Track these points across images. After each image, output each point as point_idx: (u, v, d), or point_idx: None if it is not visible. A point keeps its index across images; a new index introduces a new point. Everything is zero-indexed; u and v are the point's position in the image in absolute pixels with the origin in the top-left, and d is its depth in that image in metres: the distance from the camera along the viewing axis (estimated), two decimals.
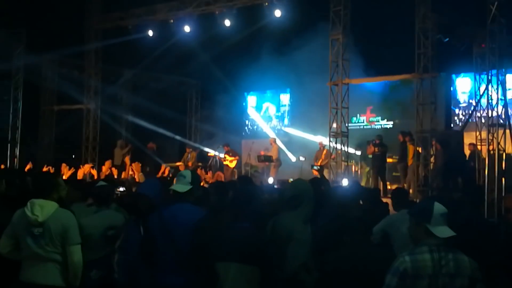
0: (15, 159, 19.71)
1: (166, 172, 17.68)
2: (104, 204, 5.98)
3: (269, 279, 4.15)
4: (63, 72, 21.47)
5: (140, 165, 17.45)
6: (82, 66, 21.35)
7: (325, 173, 17.57)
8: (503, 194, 13.28)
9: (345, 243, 4.38)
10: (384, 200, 10.32)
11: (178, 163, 20.23)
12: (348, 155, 16.71)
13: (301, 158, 19.14)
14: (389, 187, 16.25)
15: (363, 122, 21.84)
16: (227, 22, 18.26)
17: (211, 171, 19.65)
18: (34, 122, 21.89)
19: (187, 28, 19.15)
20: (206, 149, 21.83)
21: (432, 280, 3.72)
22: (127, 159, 16.60)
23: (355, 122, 21.49)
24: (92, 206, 6.18)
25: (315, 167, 11.76)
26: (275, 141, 19.83)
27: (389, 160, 17.32)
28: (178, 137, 23.45)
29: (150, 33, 19.80)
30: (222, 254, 4.20)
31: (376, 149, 16.55)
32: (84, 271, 5.52)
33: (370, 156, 17.13)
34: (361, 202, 7.11)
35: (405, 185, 16.17)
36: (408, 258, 3.77)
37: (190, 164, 20.12)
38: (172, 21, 19.37)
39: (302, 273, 4.41)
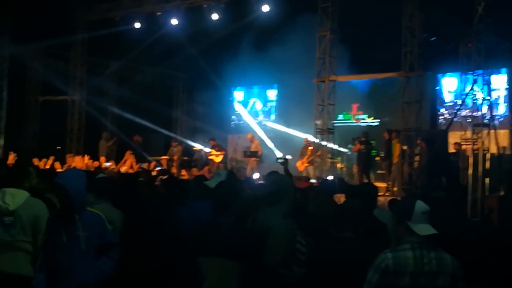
0: None
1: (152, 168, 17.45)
2: (103, 198, 5.89)
3: (253, 274, 4.18)
4: (48, 63, 21.26)
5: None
6: (68, 57, 21.24)
7: (310, 169, 17.60)
8: (487, 194, 13.39)
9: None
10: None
11: (163, 157, 20.16)
12: (333, 152, 16.74)
13: (288, 157, 19.10)
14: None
15: (349, 120, 21.85)
16: (215, 16, 18.21)
17: (196, 167, 19.56)
18: (18, 113, 21.69)
19: (174, 21, 19.08)
20: (192, 143, 21.74)
21: (413, 277, 3.72)
22: (127, 154, 16.32)
23: (341, 119, 21.51)
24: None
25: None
26: (254, 137, 19.70)
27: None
28: (164, 131, 23.33)
29: (137, 25, 19.71)
30: (205, 249, 4.21)
31: (362, 147, 16.59)
32: None
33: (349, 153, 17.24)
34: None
35: (389, 182, 16.25)
36: (390, 255, 3.78)
37: (175, 158, 20.05)
38: (159, 13, 19.31)
39: (282, 268, 4.42)
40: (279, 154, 21.65)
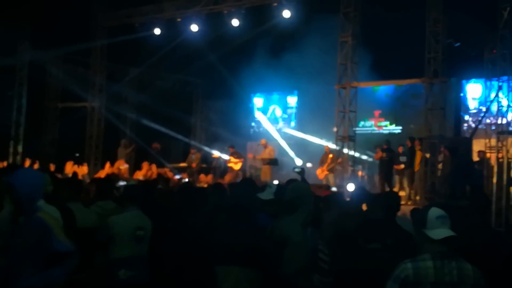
0: (17, 156, 19.58)
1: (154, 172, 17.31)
2: (135, 204, 6.05)
3: (271, 281, 4.15)
4: (68, 69, 21.34)
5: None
6: (87, 63, 21.26)
7: (331, 177, 17.37)
8: (511, 204, 13.12)
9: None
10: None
11: (182, 164, 20.09)
12: (354, 160, 16.50)
13: (308, 165, 18.88)
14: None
15: (371, 127, 21.59)
16: (235, 22, 18.09)
17: (212, 174, 19.44)
18: (37, 119, 21.76)
19: (194, 27, 18.99)
20: (211, 151, 21.63)
21: None
22: (145, 164, 16.31)
23: (362, 126, 21.27)
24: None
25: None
26: (267, 143, 19.46)
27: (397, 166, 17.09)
28: (182, 138, 23.26)
29: (157, 31, 19.66)
30: (223, 257, 4.19)
31: (384, 154, 16.32)
32: (113, 269, 5.78)
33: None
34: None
35: (412, 191, 15.95)
36: (410, 265, 3.76)
37: (194, 165, 19.97)
38: (179, 19, 19.24)
39: (300, 277, 4.38)
40: (299, 161, 21.45)
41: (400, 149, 16.23)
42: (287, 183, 7.26)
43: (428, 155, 14.99)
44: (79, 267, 4.88)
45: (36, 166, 16.13)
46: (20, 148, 19.78)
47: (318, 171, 18.00)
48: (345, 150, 16.13)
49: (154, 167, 17.28)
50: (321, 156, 18.32)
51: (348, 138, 16.00)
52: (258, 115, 24.99)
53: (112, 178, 11.48)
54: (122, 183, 6.31)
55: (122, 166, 16.67)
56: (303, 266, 4.42)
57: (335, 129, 16.13)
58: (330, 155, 17.62)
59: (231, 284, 4.10)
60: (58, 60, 21.25)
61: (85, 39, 20.12)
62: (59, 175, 13.79)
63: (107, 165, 17.26)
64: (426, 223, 3.80)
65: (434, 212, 3.83)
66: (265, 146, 19.07)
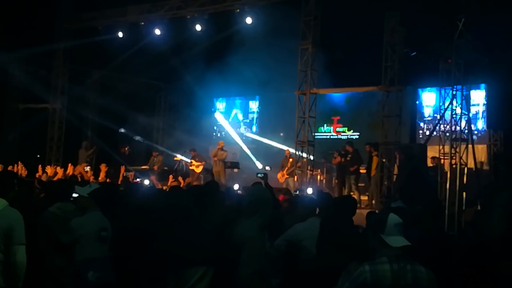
0: None
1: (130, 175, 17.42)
2: (105, 206, 6.13)
3: (229, 280, 4.23)
4: (30, 71, 21.17)
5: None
6: (50, 65, 21.09)
7: (291, 181, 17.68)
8: (464, 208, 13.52)
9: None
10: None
11: (144, 167, 20.11)
12: (313, 164, 16.81)
13: (267, 168, 19.16)
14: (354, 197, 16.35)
15: (330, 132, 21.96)
16: (198, 27, 18.25)
17: (174, 176, 19.51)
18: None
19: (157, 31, 19.10)
20: (173, 154, 21.72)
21: None
22: (102, 167, 16.28)
23: (322, 132, 21.63)
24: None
25: (259, 174, 11.95)
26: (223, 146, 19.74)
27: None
28: (145, 141, 23.29)
29: (120, 34, 19.68)
30: (189, 259, 4.25)
31: (342, 159, 16.71)
32: (80, 271, 5.77)
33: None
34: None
35: (368, 195, 16.35)
36: (368, 268, 3.82)
37: (156, 168, 20.01)
38: (143, 23, 19.31)
39: (255, 280, 4.42)
40: (259, 165, 21.73)
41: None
42: (246, 188, 7.52)
43: (384, 160, 15.38)
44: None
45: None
46: None
47: (279, 175, 18.30)
48: (304, 155, 16.42)
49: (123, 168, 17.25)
50: (282, 160, 18.63)
51: (307, 143, 16.30)
52: (220, 119, 25.12)
53: (72, 180, 11.53)
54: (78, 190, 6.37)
55: (85, 168, 16.61)
56: (259, 270, 4.47)
57: (281, 134, 16.41)
58: (290, 159, 17.94)
59: (196, 282, 4.20)
60: (20, 61, 21.07)
61: (49, 41, 19.94)
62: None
63: (70, 166, 17.11)
64: (384, 229, 3.89)
65: (393, 219, 3.91)
66: (221, 148, 19.32)
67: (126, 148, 19.99)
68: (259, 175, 15.69)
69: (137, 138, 22.82)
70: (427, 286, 3.83)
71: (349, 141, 17.25)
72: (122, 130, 22.23)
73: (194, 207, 4.71)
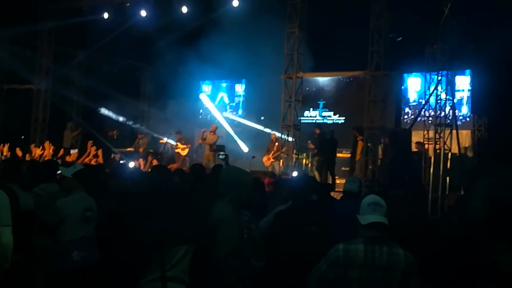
0: None
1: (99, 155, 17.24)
2: (88, 187, 6.16)
3: (207, 259, 4.27)
4: (14, 51, 20.96)
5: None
6: (35, 45, 20.91)
7: (276, 164, 17.73)
8: (447, 193, 13.65)
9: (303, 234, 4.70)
10: (333, 194, 10.52)
11: (129, 149, 20.06)
12: (299, 148, 16.85)
13: (245, 150, 19.16)
14: (338, 181, 16.46)
15: (316, 116, 21.99)
16: (184, 9, 18.18)
17: (159, 159, 19.50)
18: None
19: (143, 13, 18.97)
20: (158, 136, 21.67)
21: (363, 270, 3.84)
22: (89, 144, 16.17)
23: (307, 116, 21.65)
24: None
25: (220, 156, 12.11)
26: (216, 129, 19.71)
27: (341, 155, 17.59)
28: (130, 123, 23.21)
29: (106, 15, 19.53)
30: (170, 239, 4.26)
31: (313, 146, 16.90)
32: (65, 251, 5.79)
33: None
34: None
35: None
36: (341, 246, 3.94)
37: (141, 150, 19.97)
38: (128, 4, 19.17)
39: (231, 260, 4.44)
40: (245, 148, 21.75)
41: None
42: (212, 169, 7.59)
43: (369, 145, 15.46)
44: (17, 248, 5.06)
45: None
46: None
47: (264, 159, 18.34)
48: (290, 139, 16.46)
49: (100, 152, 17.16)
50: (268, 144, 18.66)
51: (293, 127, 16.33)
52: (206, 102, 25.03)
53: (55, 161, 11.49)
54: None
55: (71, 151, 16.57)
56: (235, 249, 4.48)
57: (262, 118, 16.40)
58: (276, 143, 17.97)
59: (175, 261, 4.22)
60: (4, 41, 20.83)
61: (33, 21, 19.76)
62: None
63: (47, 146, 16.92)
64: (360, 209, 4.01)
65: (367, 199, 4.02)
66: (214, 132, 19.30)
67: (115, 132, 19.90)
68: (219, 156, 15.84)
69: (120, 119, 22.73)
70: (404, 269, 3.89)
71: (318, 124, 17.25)
72: (103, 110, 22.09)
73: (179, 189, 4.73)
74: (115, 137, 19.60)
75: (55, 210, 5.90)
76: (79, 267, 5.84)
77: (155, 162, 15.33)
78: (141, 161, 15.54)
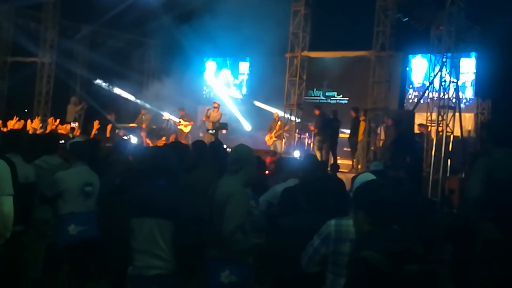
0: None
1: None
2: (81, 160, 6.09)
3: (184, 234, 4.23)
4: (19, 23, 20.91)
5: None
6: (40, 18, 20.84)
7: (278, 143, 17.75)
8: (448, 175, 13.69)
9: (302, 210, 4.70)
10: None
11: (131, 124, 20.09)
12: (302, 127, 16.87)
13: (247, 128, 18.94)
14: (339, 161, 16.49)
15: (319, 96, 21.95)
16: None
17: (165, 136, 19.54)
18: None
19: None
20: (161, 112, 21.68)
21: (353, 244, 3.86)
22: (95, 123, 16.21)
23: (311, 96, 21.61)
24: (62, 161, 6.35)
25: (210, 131, 12.10)
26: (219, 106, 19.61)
27: (343, 135, 17.58)
28: (133, 98, 23.21)
29: None
30: (138, 210, 4.29)
31: (313, 128, 16.88)
32: (62, 225, 5.81)
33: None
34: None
35: (354, 160, 16.47)
36: (333, 222, 3.99)
37: (144, 126, 19.97)
38: None
39: (238, 234, 4.54)
40: (248, 127, 21.77)
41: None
42: (211, 145, 7.65)
43: (373, 125, 15.48)
44: (19, 219, 5.10)
45: None
46: None
47: (267, 138, 18.35)
48: (293, 118, 16.47)
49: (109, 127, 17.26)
50: (270, 123, 18.66)
51: (296, 106, 16.33)
52: (210, 79, 25.02)
53: (57, 134, 11.55)
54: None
55: (71, 124, 16.64)
56: (242, 224, 4.59)
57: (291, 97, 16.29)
58: (279, 122, 17.98)
59: (145, 234, 4.22)
60: (9, 13, 20.79)
61: None
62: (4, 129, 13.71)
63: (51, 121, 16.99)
64: (352, 187, 4.10)
65: (361, 177, 4.07)
66: (217, 110, 19.23)
67: (113, 115, 19.89)
68: (210, 131, 15.85)
69: (123, 94, 22.74)
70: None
71: (317, 105, 17.17)
72: (104, 84, 22.08)
73: (177, 165, 4.73)
74: (114, 119, 19.55)
75: (53, 183, 5.89)
76: (75, 241, 5.86)
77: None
78: (143, 135, 15.62)
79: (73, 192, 5.90)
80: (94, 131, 15.48)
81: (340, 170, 14.01)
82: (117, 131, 18.84)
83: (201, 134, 19.60)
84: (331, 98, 21.63)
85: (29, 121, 15.70)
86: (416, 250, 3.15)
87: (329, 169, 11.59)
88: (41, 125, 15.32)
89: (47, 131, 14.84)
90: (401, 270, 2.95)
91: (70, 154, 6.19)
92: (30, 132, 14.17)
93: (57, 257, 6.00)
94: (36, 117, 17.32)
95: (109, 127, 15.66)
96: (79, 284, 6.14)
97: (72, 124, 17.09)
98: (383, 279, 2.91)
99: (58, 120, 16.67)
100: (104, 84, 22.29)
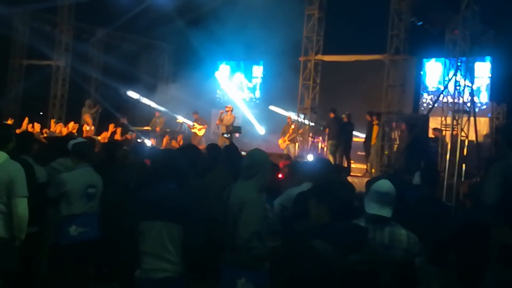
0: None
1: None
2: (84, 161, 6.11)
3: (193, 237, 4.25)
4: (34, 26, 21.07)
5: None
6: (55, 21, 20.99)
7: (292, 147, 17.73)
8: (462, 180, 13.60)
9: None
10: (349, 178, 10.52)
11: (145, 127, 20.14)
12: (315, 131, 16.82)
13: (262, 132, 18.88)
14: (353, 165, 16.45)
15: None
16: None
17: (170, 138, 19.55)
18: (1, 76, 21.49)
19: None
20: (175, 115, 21.73)
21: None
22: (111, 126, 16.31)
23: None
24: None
25: (225, 135, 12.06)
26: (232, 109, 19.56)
27: (357, 139, 17.52)
28: (147, 101, 23.27)
29: None
30: (147, 213, 4.29)
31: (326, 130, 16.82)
32: (64, 226, 5.84)
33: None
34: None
35: (368, 164, 16.41)
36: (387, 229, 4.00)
37: (158, 129, 20.01)
38: None
39: (254, 241, 4.49)
40: (262, 131, 21.77)
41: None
42: (225, 149, 7.62)
43: (386, 130, 15.41)
44: (33, 221, 5.14)
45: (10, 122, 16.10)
46: None
47: (280, 141, 18.33)
48: (306, 121, 16.45)
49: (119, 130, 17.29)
50: (283, 126, 18.64)
51: (310, 110, 16.31)
52: (224, 82, 25.04)
53: (73, 136, 11.60)
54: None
55: (87, 127, 16.72)
56: (258, 230, 4.53)
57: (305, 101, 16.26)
58: (292, 126, 17.95)
59: (153, 236, 4.21)
60: (25, 16, 20.95)
61: None
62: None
63: (71, 126, 17.14)
64: (368, 193, 4.04)
65: (378, 186, 4.00)
66: (231, 113, 19.21)
67: (125, 118, 19.97)
68: (224, 135, 15.80)
69: (138, 97, 22.80)
70: (406, 249, 3.94)
71: (332, 108, 17.06)
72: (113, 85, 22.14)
73: (187, 167, 4.72)
74: (126, 123, 19.61)
75: (56, 184, 5.93)
76: (75, 242, 5.88)
77: (174, 143, 15.38)
78: (153, 141, 15.63)
79: (76, 193, 5.93)
80: (109, 134, 15.52)
81: (354, 174, 13.97)
82: (129, 133, 18.89)
83: (214, 138, 19.62)
84: None
85: (60, 124, 15.87)
86: (366, 242, 3.56)
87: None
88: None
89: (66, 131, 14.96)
90: (346, 259, 3.32)
91: (72, 155, 6.19)
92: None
93: (59, 258, 6.03)
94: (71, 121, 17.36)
95: (118, 130, 15.67)
96: (80, 285, 6.16)
97: (87, 128, 17.16)
98: (328, 266, 3.29)
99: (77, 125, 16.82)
100: (118, 87, 22.36)
